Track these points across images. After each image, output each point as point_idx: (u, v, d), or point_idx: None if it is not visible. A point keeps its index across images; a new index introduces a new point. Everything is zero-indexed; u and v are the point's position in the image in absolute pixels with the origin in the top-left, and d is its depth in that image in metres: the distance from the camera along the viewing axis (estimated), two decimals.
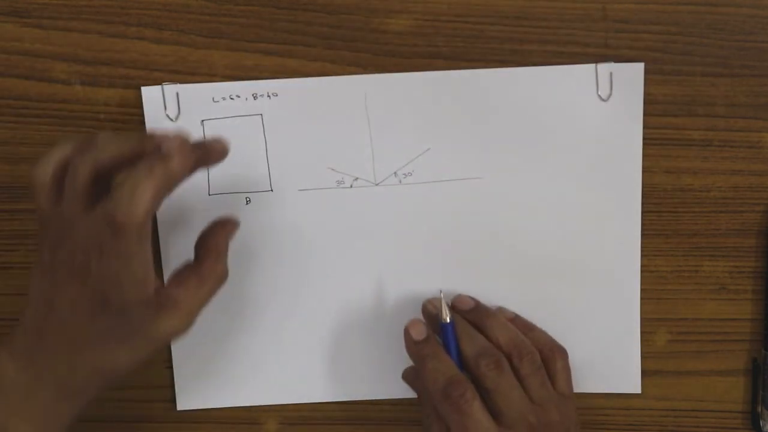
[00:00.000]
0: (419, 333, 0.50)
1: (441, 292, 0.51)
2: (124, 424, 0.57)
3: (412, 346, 0.50)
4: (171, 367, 0.56)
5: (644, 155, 0.53)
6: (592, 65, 0.52)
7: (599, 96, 0.52)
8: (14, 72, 0.52)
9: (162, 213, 0.54)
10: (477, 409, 0.47)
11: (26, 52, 0.52)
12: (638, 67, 0.52)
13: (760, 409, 0.55)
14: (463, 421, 0.47)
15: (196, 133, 0.52)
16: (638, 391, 0.55)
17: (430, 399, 0.49)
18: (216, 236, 0.48)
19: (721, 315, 0.55)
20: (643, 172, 0.53)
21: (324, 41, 0.52)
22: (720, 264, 0.54)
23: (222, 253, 0.47)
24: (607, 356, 0.55)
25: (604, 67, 0.52)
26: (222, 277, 0.47)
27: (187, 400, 0.56)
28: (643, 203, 0.53)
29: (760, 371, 0.55)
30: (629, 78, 0.52)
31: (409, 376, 0.53)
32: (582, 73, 0.52)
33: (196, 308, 0.46)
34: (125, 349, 0.45)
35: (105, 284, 0.43)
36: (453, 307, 0.52)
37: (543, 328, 0.54)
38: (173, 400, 0.56)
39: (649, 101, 0.52)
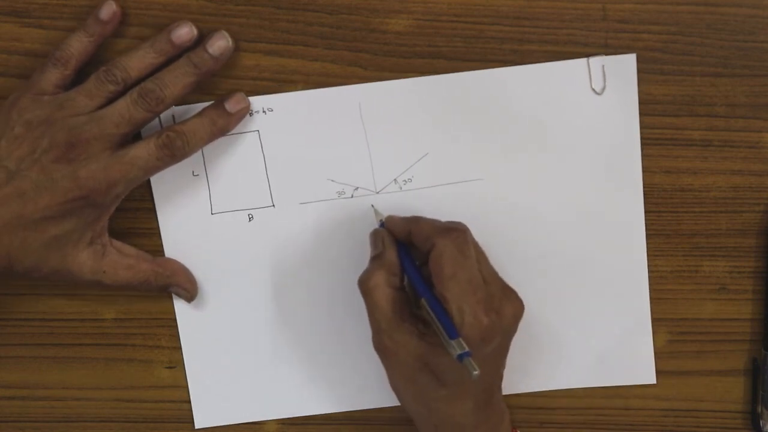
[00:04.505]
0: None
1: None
2: (128, 424, 0.57)
3: None
4: (171, 368, 0.56)
5: (644, 155, 0.53)
6: (584, 59, 0.52)
7: (593, 89, 0.52)
8: (14, 72, 0.52)
9: (167, 234, 0.54)
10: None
11: (26, 52, 0.52)
12: (630, 59, 0.52)
13: (760, 409, 0.55)
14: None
15: (194, 155, 0.52)
16: (653, 381, 0.55)
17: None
18: (176, 265, 0.54)
19: (721, 315, 0.55)
20: (643, 172, 0.53)
21: (324, 41, 0.52)
22: (720, 264, 0.54)
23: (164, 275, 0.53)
24: (620, 350, 0.55)
25: (596, 61, 0.52)
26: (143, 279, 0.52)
27: (203, 419, 0.56)
28: (643, 203, 0.53)
29: (760, 371, 0.55)
30: (622, 70, 0.52)
31: None
32: (574, 67, 0.52)
33: (107, 278, 0.51)
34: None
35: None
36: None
37: (552, 329, 0.54)
38: (173, 401, 0.56)
39: (649, 101, 0.52)
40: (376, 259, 0.49)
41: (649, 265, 0.54)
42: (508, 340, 0.49)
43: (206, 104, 0.51)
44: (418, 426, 0.51)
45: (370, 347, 0.49)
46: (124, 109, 0.48)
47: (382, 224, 0.51)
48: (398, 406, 0.53)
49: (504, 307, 0.48)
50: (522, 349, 0.51)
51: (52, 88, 0.49)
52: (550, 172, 0.53)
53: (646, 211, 0.54)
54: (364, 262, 0.50)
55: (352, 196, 0.53)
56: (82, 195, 0.48)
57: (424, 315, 0.48)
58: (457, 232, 0.48)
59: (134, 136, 0.50)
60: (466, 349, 0.45)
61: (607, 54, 0.52)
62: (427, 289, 0.48)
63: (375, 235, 0.51)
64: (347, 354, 0.55)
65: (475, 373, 0.44)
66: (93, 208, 0.49)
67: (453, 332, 0.45)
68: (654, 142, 0.53)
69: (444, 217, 0.51)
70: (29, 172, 0.47)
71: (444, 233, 0.48)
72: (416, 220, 0.50)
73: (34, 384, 0.56)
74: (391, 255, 0.49)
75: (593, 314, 0.55)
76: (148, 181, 0.53)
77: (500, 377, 0.51)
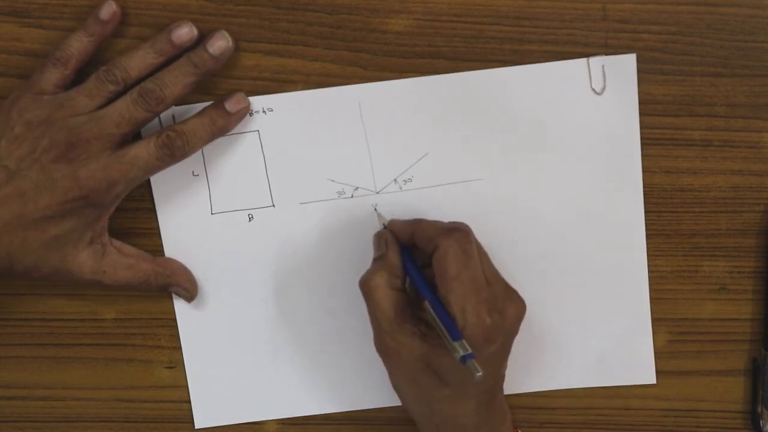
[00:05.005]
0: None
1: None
2: (128, 424, 0.57)
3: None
4: (171, 368, 0.56)
5: (644, 155, 0.53)
6: (584, 59, 0.52)
7: (593, 89, 0.52)
8: (14, 72, 0.52)
9: (167, 234, 0.54)
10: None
11: (26, 52, 0.52)
12: (630, 59, 0.52)
13: (760, 409, 0.55)
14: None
15: (194, 155, 0.52)
16: (653, 381, 0.55)
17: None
18: (176, 264, 0.54)
19: (721, 315, 0.55)
20: (643, 172, 0.53)
21: (324, 41, 0.52)
22: (720, 264, 0.54)
23: (165, 275, 0.53)
24: (620, 350, 0.55)
25: (596, 61, 0.52)
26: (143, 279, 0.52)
27: (203, 419, 0.56)
28: (643, 203, 0.53)
29: (760, 371, 0.55)
30: (622, 70, 0.52)
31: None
32: (574, 67, 0.52)
33: (107, 278, 0.51)
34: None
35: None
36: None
37: (552, 329, 0.54)
38: (173, 401, 0.56)
39: (649, 101, 0.52)
40: (378, 260, 0.50)
41: (649, 265, 0.54)
42: (510, 340, 0.49)
43: (206, 104, 0.51)
44: (420, 426, 0.51)
45: (370, 347, 0.49)
46: (124, 108, 0.48)
47: (385, 227, 0.51)
48: (398, 406, 0.53)
49: (507, 308, 0.48)
50: (522, 349, 0.51)
51: (52, 88, 0.49)
52: (550, 172, 0.53)
53: (646, 211, 0.54)
54: (365, 262, 0.50)
55: (352, 196, 0.53)
56: (82, 195, 0.48)
57: (426, 317, 0.48)
58: (460, 232, 0.48)
59: (134, 136, 0.50)
60: (469, 351, 0.44)
61: (607, 54, 0.52)
62: (429, 291, 0.48)
63: (378, 237, 0.51)
64: (347, 354, 0.55)
65: (478, 374, 0.43)
66: (93, 208, 0.49)
67: (456, 334, 0.45)
68: (654, 142, 0.53)
69: (444, 217, 0.51)
70: (29, 171, 0.47)
71: (447, 234, 0.48)
72: (419, 222, 0.50)
73: (34, 384, 0.56)
74: (394, 256, 0.49)
75: (593, 314, 0.55)
76: (148, 181, 0.53)
77: (502, 377, 0.51)
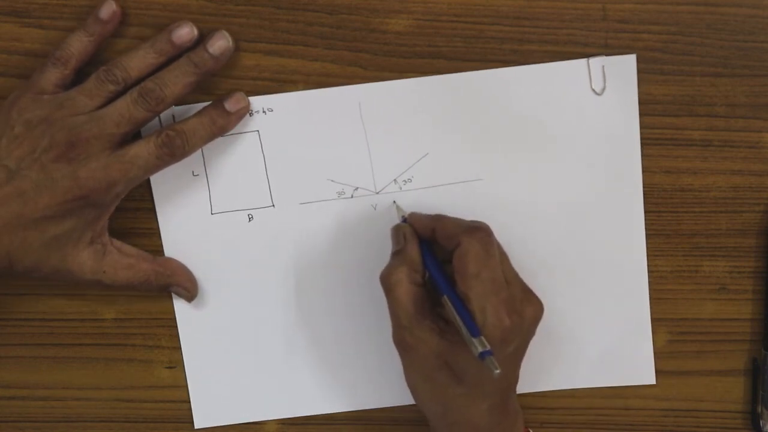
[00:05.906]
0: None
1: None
2: (128, 424, 0.57)
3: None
4: (171, 368, 0.56)
5: (644, 155, 0.53)
6: (584, 60, 0.52)
7: (593, 90, 0.52)
8: (14, 72, 0.52)
9: (167, 234, 0.54)
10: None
11: (26, 52, 0.52)
12: (630, 59, 0.52)
13: (760, 409, 0.55)
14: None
15: (194, 155, 0.52)
16: (653, 382, 0.55)
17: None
18: (176, 264, 0.54)
19: (721, 315, 0.55)
20: (643, 172, 0.53)
21: (324, 41, 0.52)
22: (720, 264, 0.54)
23: (166, 275, 0.53)
24: (620, 350, 0.55)
25: (596, 61, 0.52)
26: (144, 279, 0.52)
27: (203, 419, 0.56)
28: (643, 203, 0.53)
29: (760, 371, 0.55)
30: (622, 70, 0.52)
31: None
32: (574, 68, 0.52)
33: (107, 277, 0.51)
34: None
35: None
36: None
37: (552, 329, 0.54)
38: (173, 401, 0.56)
39: (649, 101, 0.52)
40: (398, 254, 0.49)
41: (649, 265, 0.54)
42: (526, 342, 0.49)
43: (206, 104, 0.51)
44: (432, 425, 0.51)
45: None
46: (125, 108, 0.48)
47: (404, 220, 0.51)
48: (400, 406, 0.53)
49: (525, 309, 0.48)
50: None
51: (52, 88, 0.49)
52: (550, 172, 0.53)
53: (646, 211, 0.54)
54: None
55: (351, 197, 0.53)
56: (82, 194, 0.48)
57: (445, 312, 0.48)
58: (482, 231, 0.48)
59: (134, 136, 0.50)
60: (488, 347, 0.44)
61: (607, 54, 0.52)
62: (449, 287, 0.48)
63: (397, 230, 0.51)
64: (348, 353, 0.55)
65: (497, 372, 0.43)
66: (93, 208, 0.49)
67: (475, 330, 0.45)
68: (654, 142, 0.53)
69: None
70: (29, 171, 0.47)
71: (469, 232, 0.48)
72: (441, 218, 0.50)
73: (34, 384, 0.56)
74: (413, 251, 0.49)
75: (593, 314, 0.55)
76: (148, 181, 0.53)
77: (516, 379, 0.51)
